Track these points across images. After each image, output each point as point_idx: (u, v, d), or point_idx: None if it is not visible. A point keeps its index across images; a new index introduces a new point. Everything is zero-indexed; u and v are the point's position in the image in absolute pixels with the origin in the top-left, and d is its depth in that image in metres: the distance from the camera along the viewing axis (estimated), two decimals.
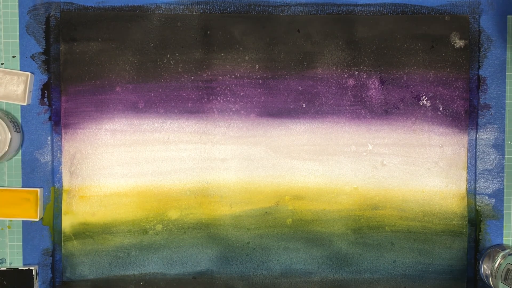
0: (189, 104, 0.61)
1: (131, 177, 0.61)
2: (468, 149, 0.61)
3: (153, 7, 0.60)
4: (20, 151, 0.61)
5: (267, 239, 0.61)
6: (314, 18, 0.61)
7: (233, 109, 0.61)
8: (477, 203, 0.62)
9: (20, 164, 0.61)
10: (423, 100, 0.61)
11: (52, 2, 0.60)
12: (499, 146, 0.62)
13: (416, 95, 0.61)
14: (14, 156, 0.60)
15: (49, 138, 0.61)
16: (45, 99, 0.61)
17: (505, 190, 0.62)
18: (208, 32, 0.61)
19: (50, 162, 0.61)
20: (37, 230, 0.61)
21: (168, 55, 0.61)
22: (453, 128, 0.61)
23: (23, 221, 0.61)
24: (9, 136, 0.57)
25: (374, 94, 0.61)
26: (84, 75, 0.60)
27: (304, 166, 0.61)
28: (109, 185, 0.61)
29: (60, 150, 0.61)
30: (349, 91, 0.61)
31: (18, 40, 0.60)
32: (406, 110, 0.61)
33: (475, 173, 0.62)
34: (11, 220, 0.61)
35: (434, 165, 0.61)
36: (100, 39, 0.60)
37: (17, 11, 0.60)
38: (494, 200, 0.62)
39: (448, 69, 0.61)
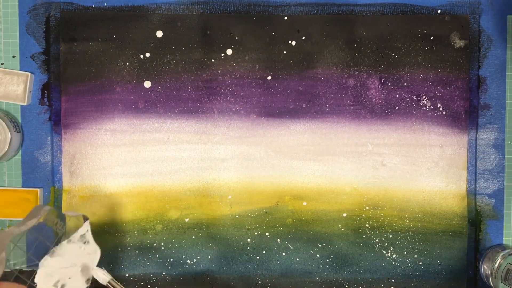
0: (189, 104, 0.61)
1: (131, 177, 0.61)
2: (468, 149, 0.61)
3: (153, 7, 0.60)
4: (20, 151, 0.61)
5: (267, 239, 0.61)
6: (314, 18, 0.61)
7: (233, 109, 0.61)
8: (477, 203, 0.62)
9: (20, 164, 0.61)
10: (423, 100, 0.61)
11: (52, 2, 0.60)
12: (499, 146, 0.62)
13: (416, 95, 0.61)
14: (14, 156, 0.60)
15: (49, 138, 0.61)
16: (45, 99, 0.61)
17: (505, 190, 0.62)
18: (208, 32, 0.61)
19: (50, 162, 0.61)
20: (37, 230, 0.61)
21: (168, 55, 0.61)
22: (453, 128, 0.61)
23: None
24: (9, 136, 0.57)
25: (374, 94, 0.61)
26: (84, 75, 0.60)
27: (304, 166, 0.61)
28: (109, 185, 0.61)
29: (60, 150, 0.61)
30: (349, 91, 0.61)
31: (18, 40, 0.60)
32: (406, 110, 0.61)
33: (475, 173, 0.62)
34: (11, 220, 0.61)
35: (434, 165, 0.61)
36: (100, 39, 0.60)
37: (17, 11, 0.60)
38: (494, 200, 0.62)
39: (448, 69, 0.61)
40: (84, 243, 0.50)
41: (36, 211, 0.49)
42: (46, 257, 0.49)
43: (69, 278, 0.49)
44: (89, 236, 0.50)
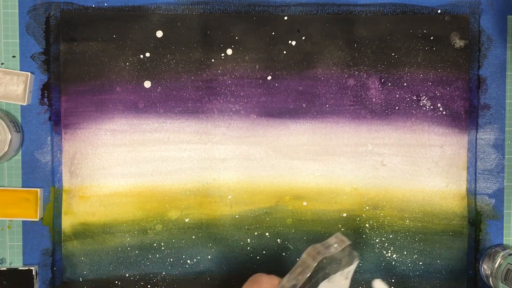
0: (189, 104, 0.61)
1: (131, 177, 0.61)
2: (468, 149, 0.61)
3: (153, 7, 0.60)
4: (20, 151, 0.61)
5: (267, 239, 0.61)
6: (314, 18, 0.61)
7: (233, 109, 0.61)
8: (477, 203, 0.62)
9: (20, 164, 0.61)
10: (423, 100, 0.61)
11: (52, 2, 0.60)
12: (499, 146, 0.62)
13: (416, 95, 0.61)
14: (14, 156, 0.60)
15: (49, 138, 0.61)
16: (45, 99, 0.61)
17: (505, 190, 0.62)
18: (208, 32, 0.61)
19: (50, 162, 0.61)
20: (37, 230, 0.61)
21: (168, 55, 0.61)
22: (453, 128, 0.61)
23: (23, 221, 0.61)
24: (9, 136, 0.58)
25: (374, 94, 0.61)
26: (84, 75, 0.60)
27: (304, 166, 0.61)
28: (109, 185, 0.61)
29: (60, 150, 0.61)
30: (349, 91, 0.61)
31: (18, 40, 0.60)
32: (406, 110, 0.61)
33: (475, 173, 0.62)
34: (11, 220, 0.61)
35: (434, 165, 0.61)
36: (100, 39, 0.60)
37: (17, 11, 0.60)
38: (494, 200, 0.62)
39: (448, 69, 0.61)
40: (346, 278, 0.52)
41: (339, 240, 0.51)
42: (324, 282, 0.50)
43: None
44: (351, 275, 0.52)
